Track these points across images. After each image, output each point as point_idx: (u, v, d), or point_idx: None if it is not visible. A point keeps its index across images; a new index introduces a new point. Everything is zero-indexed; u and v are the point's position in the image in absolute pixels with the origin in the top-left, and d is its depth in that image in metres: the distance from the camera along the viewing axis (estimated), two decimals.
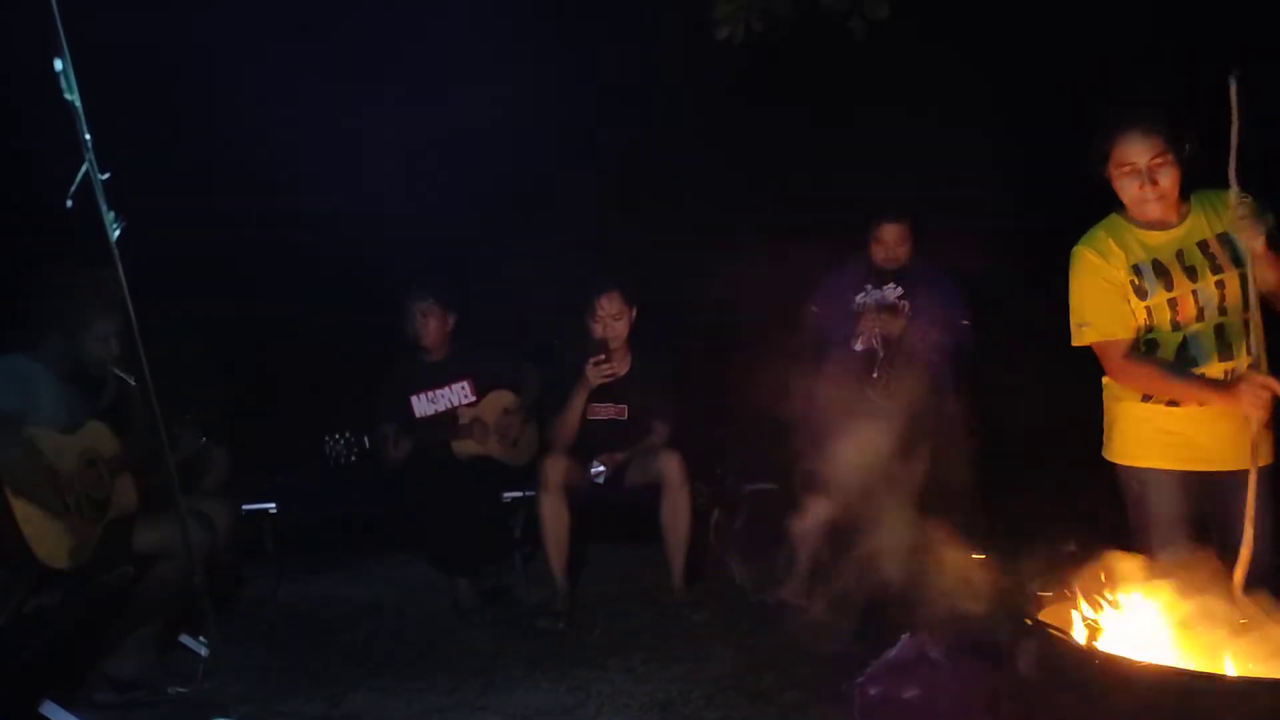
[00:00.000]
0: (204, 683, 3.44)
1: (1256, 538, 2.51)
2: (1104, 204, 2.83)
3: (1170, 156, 2.65)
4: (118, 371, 3.45)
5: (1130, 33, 4.49)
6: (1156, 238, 2.75)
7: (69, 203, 2.05)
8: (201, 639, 3.69)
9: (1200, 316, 2.70)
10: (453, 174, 5.06)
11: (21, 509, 2.87)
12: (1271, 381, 2.51)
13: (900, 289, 4.32)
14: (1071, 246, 2.86)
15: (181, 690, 3.43)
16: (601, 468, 4.40)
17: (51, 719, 3.03)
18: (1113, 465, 2.91)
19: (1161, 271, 2.72)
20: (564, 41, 4.91)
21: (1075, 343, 2.85)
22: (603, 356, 4.38)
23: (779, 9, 4.26)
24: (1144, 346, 2.77)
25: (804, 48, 4.43)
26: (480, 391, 4.70)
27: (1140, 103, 2.71)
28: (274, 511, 4.42)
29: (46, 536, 2.94)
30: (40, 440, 3.03)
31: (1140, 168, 2.67)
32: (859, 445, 3.96)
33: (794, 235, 4.46)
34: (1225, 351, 2.67)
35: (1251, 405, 2.51)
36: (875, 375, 4.26)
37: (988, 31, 4.75)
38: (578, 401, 4.41)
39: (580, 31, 4.87)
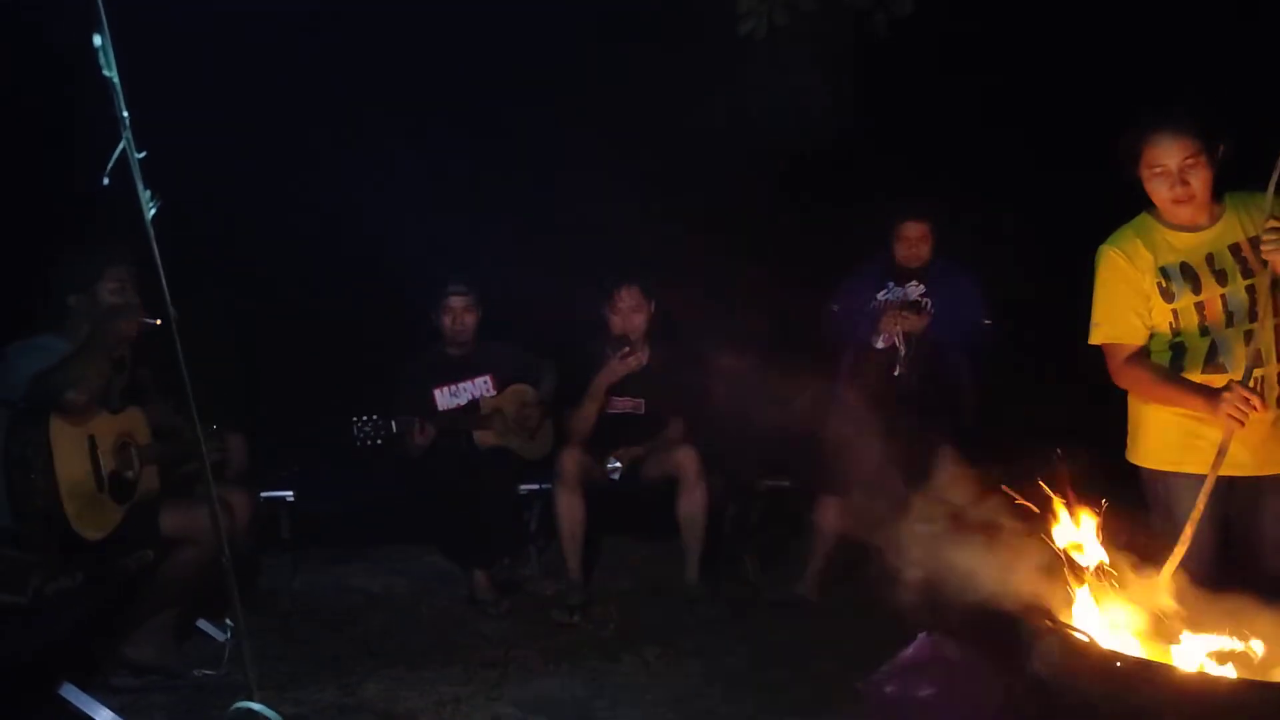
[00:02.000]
0: (227, 666, 3.46)
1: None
2: (1133, 203, 2.81)
3: (1202, 158, 2.62)
4: (143, 320, 3.47)
5: (1165, 34, 4.45)
6: (1186, 240, 2.72)
7: (105, 180, 2.04)
8: (228, 621, 3.70)
9: (1230, 321, 2.67)
10: (473, 170, 5.06)
11: (61, 472, 2.95)
12: (1253, 397, 2.50)
13: (922, 287, 4.31)
14: (1098, 245, 2.83)
15: (208, 673, 3.45)
16: (618, 464, 4.40)
17: (70, 701, 3.05)
18: (1136, 468, 2.89)
19: (1189, 274, 2.69)
20: (582, 42, 4.90)
21: (1090, 340, 2.84)
22: (628, 349, 4.37)
23: (802, 3, 4.24)
24: (1171, 350, 2.74)
25: (826, 43, 4.41)
26: (501, 386, 4.68)
27: (1172, 103, 2.68)
28: (291, 500, 4.43)
29: (77, 505, 3.00)
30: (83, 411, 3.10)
31: (1171, 169, 2.63)
32: (877, 444, 3.95)
33: (815, 232, 4.44)
34: (1255, 357, 2.64)
35: (1231, 415, 2.51)
36: (896, 373, 4.25)
37: (1015, 27, 4.72)
38: (598, 393, 4.41)
39: (598, 31, 4.86)
